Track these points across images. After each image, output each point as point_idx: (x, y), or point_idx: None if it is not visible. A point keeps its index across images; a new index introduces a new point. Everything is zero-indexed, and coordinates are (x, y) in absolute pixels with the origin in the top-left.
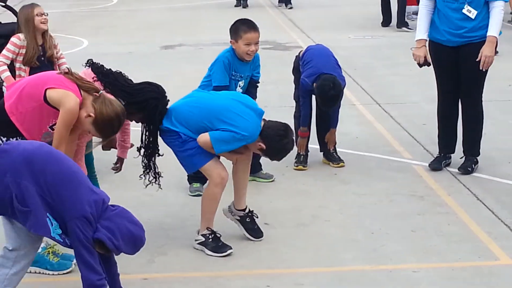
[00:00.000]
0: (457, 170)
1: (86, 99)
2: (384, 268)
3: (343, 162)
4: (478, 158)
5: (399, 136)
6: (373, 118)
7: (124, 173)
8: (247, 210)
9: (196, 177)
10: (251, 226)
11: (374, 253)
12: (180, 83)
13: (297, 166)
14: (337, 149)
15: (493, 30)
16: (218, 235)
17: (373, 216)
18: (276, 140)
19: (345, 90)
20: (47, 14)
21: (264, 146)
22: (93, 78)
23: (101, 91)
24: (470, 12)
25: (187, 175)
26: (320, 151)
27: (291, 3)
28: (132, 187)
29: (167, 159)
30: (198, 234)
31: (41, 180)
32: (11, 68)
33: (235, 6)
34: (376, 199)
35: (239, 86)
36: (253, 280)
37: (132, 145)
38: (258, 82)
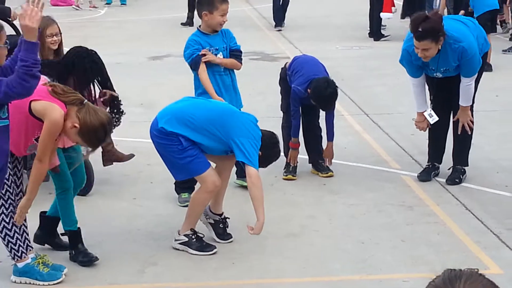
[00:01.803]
0: (444, 180)
1: (70, 110)
2: (374, 278)
3: (332, 172)
4: (466, 168)
5: (387, 146)
6: (361, 128)
7: (115, 184)
8: (223, 216)
9: (184, 187)
10: (221, 232)
11: (364, 263)
12: (168, 93)
13: (286, 175)
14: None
15: (463, 102)
16: (201, 235)
17: (362, 226)
18: (270, 148)
19: None
20: (61, 33)
21: (260, 154)
22: None
23: (85, 101)
24: (431, 117)
25: (175, 185)
26: (309, 162)
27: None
28: (122, 198)
29: (157, 170)
30: (179, 234)
31: None
32: None
33: (182, 24)
34: (365, 209)
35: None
36: None
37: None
38: (240, 51)
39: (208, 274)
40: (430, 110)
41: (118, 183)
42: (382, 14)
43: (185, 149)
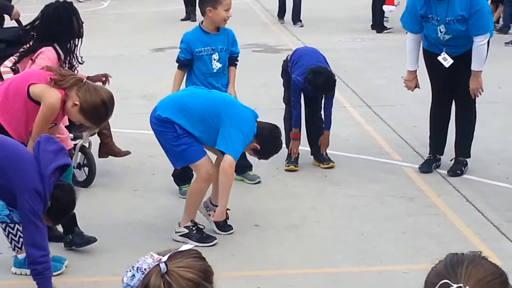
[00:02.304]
0: (446, 172)
1: (71, 90)
2: (375, 269)
3: (333, 162)
4: (468, 160)
5: (389, 138)
6: (363, 120)
7: (117, 175)
8: None
9: (183, 178)
10: (222, 223)
11: (365, 254)
12: (171, 85)
13: (288, 166)
14: (328, 151)
15: (475, 65)
16: (201, 227)
17: (363, 217)
18: (271, 141)
19: (335, 93)
20: None
21: (258, 147)
22: None
23: (85, 80)
24: (446, 60)
25: (174, 177)
26: (311, 154)
27: (300, 21)
28: (124, 190)
29: (158, 162)
30: (179, 226)
31: None
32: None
33: (182, 20)
34: (366, 201)
35: (214, 60)
36: (244, 282)
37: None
38: (237, 60)
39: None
40: (444, 54)
41: (120, 175)
42: (384, 7)
43: (179, 137)
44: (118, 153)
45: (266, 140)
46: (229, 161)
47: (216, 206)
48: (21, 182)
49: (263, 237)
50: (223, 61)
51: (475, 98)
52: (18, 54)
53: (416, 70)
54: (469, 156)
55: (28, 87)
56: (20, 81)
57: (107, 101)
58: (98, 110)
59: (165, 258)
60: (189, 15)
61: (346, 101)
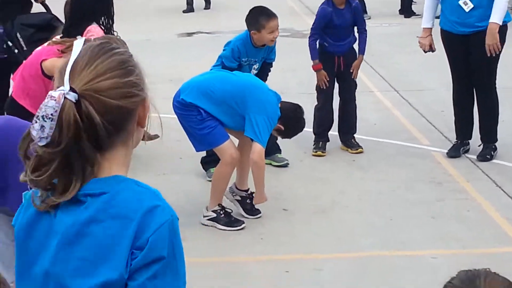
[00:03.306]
0: (475, 157)
1: None
2: (403, 254)
3: (362, 148)
4: (497, 144)
5: (417, 123)
6: (391, 104)
7: (144, 159)
8: (249, 191)
9: (209, 161)
10: (249, 207)
11: (393, 239)
12: (197, 70)
13: (315, 152)
14: (356, 136)
15: (494, 17)
16: (229, 211)
17: (392, 202)
18: (295, 121)
19: (363, 77)
20: None
21: (282, 127)
22: None
23: None
24: (466, 4)
25: (201, 162)
26: (340, 140)
27: None
28: (152, 173)
29: (186, 146)
30: (207, 210)
31: None
32: None
33: (184, 12)
34: (395, 186)
35: (254, 69)
36: (272, 266)
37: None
38: (272, 65)
39: (237, 249)
40: None
41: (148, 159)
42: None
43: (204, 120)
44: (147, 137)
45: (291, 121)
46: (258, 151)
47: (242, 190)
48: None
49: (291, 221)
50: (258, 68)
51: (494, 82)
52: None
53: (431, 29)
54: (495, 141)
55: (41, 65)
56: (33, 61)
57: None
58: None
59: (65, 87)
60: (191, 6)
61: (374, 86)
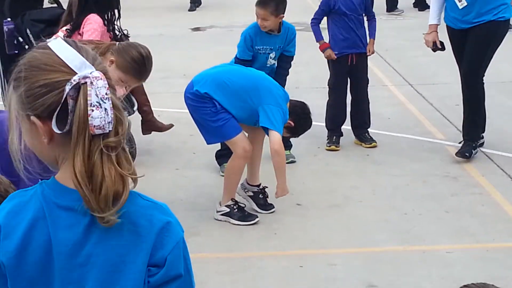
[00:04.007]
0: (491, 151)
1: (105, 54)
2: (417, 249)
3: (376, 142)
4: (510, 139)
5: (431, 117)
6: (405, 98)
7: (158, 154)
8: (261, 186)
9: (223, 155)
10: (262, 202)
11: (407, 234)
12: (211, 64)
13: (329, 146)
14: (369, 130)
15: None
16: (242, 205)
17: (406, 197)
18: (303, 118)
19: (376, 71)
20: None
21: (292, 124)
22: None
23: (117, 43)
24: (460, 1)
25: (216, 155)
26: (354, 134)
27: None
28: (165, 169)
29: (199, 140)
30: (220, 205)
31: None
32: None
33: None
34: (409, 180)
35: (271, 58)
36: (286, 261)
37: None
38: (291, 59)
39: (251, 244)
40: None
41: (161, 154)
42: None
43: (218, 112)
44: (161, 128)
45: (300, 117)
46: (277, 140)
47: (253, 186)
48: None
49: (305, 216)
50: (276, 58)
51: (481, 79)
52: (66, 32)
53: (436, 25)
54: (477, 139)
55: None
56: None
57: (141, 50)
58: (135, 60)
59: (90, 68)
60: (194, 5)
61: (388, 79)
